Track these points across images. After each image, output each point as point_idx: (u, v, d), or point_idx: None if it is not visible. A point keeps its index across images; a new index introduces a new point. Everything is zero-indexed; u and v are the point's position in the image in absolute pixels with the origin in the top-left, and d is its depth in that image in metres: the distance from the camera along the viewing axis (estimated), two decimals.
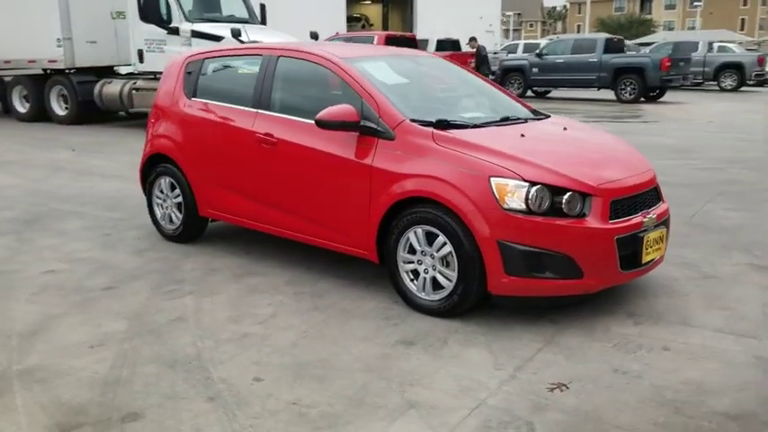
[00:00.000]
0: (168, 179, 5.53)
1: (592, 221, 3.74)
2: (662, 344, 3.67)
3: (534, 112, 4.96)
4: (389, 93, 4.34)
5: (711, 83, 25.71)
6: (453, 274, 3.89)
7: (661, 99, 20.56)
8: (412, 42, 18.15)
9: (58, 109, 14.55)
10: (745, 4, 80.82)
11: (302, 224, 4.65)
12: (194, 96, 5.38)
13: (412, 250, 4.07)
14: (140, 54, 13.06)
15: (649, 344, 3.67)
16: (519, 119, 4.66)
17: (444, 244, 3.89)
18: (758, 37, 66.08)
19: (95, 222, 6.31)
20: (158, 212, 5.70)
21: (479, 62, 18.29)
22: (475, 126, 4.28)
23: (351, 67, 4.49)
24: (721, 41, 28.96)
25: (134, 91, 13.33)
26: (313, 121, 4.42)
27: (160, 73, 12.95)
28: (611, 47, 20.43)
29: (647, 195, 4.14)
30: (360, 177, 4.21)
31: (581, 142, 4.44)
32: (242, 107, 5.00)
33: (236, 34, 11.98)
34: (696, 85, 25.03)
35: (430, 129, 4.07)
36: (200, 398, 3.13)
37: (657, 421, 2.92)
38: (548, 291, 3.80)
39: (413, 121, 4.15)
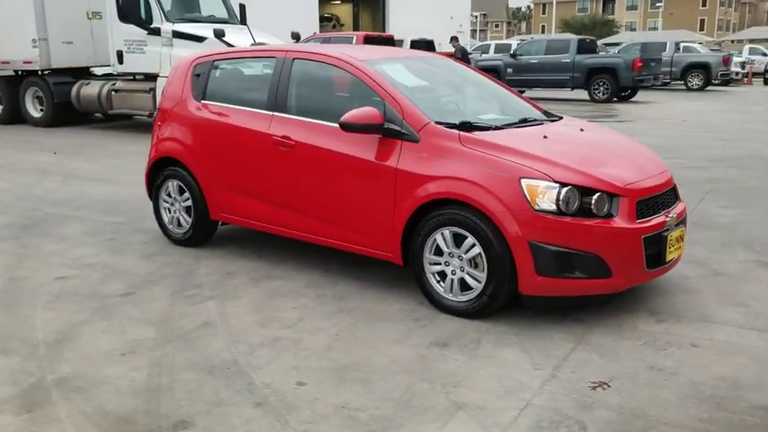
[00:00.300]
0: (177, 183, 5.47)
1: (620, 221, 3.81)
2: (689, 341, 3.76)
3: (546, 113, 5.03)
4: (411, 95, 4.37)
5: (678, 82, 26.23)
6: (482, 275, 3.92)
7: (633, 99, 20.93)
8: (390, 43, 18.15)
9: (34, 111, 14.26)
10: (704, 5, 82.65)
11: (322, 227, 4.65)
12: (204, 99, 5.33)
13: (438, 252, 4.10)
14: (120, 55, 12.87)
15: (677, 341, 3.75)
16: (536, 120, 4.72)
17: (473, 245, 3.93)
18: (717, 37, 67.68)
19: (96, 227, 6.22)
20: (165, 217, 5.64)
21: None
22: (497, 128, 4.33)
23: (371, 70, 4.50)
24: (684, 42, 29.57)
25: (113, 92, 13.14)
26: (333, 124, 4.44)
27: (140, 74, 13.02)
28: (584, 47, 20.75)
29: (668, 195, 4.23)
30: (384, 179, 4.22)
31: (600, 143, 4.51)
32: (256, 109, 4.97)
33: (219, 35, 11.88)
34: (664, 85, 25.51)
35: (456, 131, 4.10)
36: (246, 404, 3.12)
37: (702, 417, 2.99)
38: (577, 290, 3.86)
39: (437, 123, 4.17)
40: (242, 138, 4.99)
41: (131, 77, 13.32)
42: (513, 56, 21.40)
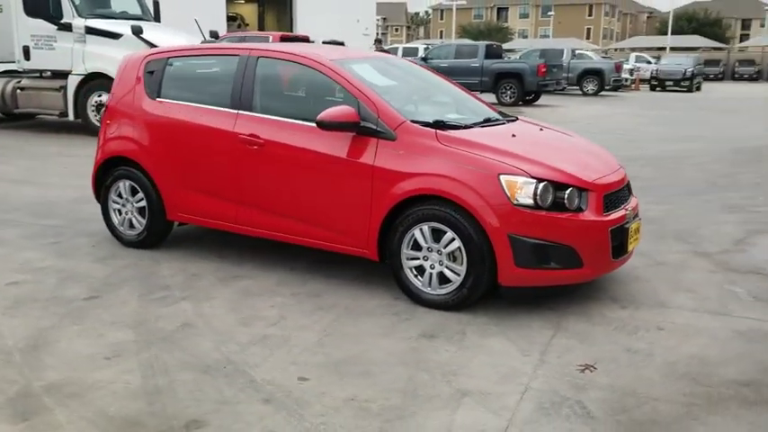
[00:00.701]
0: (128, 183, 5.31)
1: (589, 215, 4.05)
2: (654, 324, 4.04)
3: (501, 113, 5.23)
4: (384, 94, 4.45)
5: (574, 87, 27.53)
6: (461, 268, 4.06)
7: (536, 103, 21.81)
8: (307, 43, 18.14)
9: None
10: (590, 15, 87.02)
11: (293, 225, 4.65)
12: (159, 96, 5.20)
13: (416, 247, 4.21)
14: (26, 51, 12.23)
15: (644, 325, 4.03)
16: (498, 120, 4.91)
17: (452, 240, 4.06)
18: (602, 45, 71.41)
19: (33, 230, 5.93)
20: (116, 218, 5.46)
21: None
22: (466, 127, 4.48)
23: (342, 69, 4.55)
24: (578, 49, 31.11)
25: (18, 90, 12.46)
26: (304, 123, 4.48)
27: (49, 71, 12.39)
28: (491, 53, 21.48)
29: (624, 190, 4.52)
30: (360, 177, 4.28)
31: (562, 142, 4.76)
32: (219, 108, 4.92)
33: (137, 32, 11.54)
34: (562, 90, 26.72)
35: (432, 129, 4.23)
36: (254, 401, 3.11)
37: (685, 392, 3.24)
38: (552, 280, 4.07)
39: (413, 122, 4.28)
40: (204, 136, 4.92)
41: (38, 75, 12.68)
42: (425, 59, 21.81)
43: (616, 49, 59.09)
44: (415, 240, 4.20)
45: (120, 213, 5.42)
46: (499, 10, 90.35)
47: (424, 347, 3.69)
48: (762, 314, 4.24)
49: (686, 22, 65.40)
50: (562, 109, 20.26)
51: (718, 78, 47.72)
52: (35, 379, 3.30)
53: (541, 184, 3.94)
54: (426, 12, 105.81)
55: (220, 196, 4.91)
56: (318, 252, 4.72)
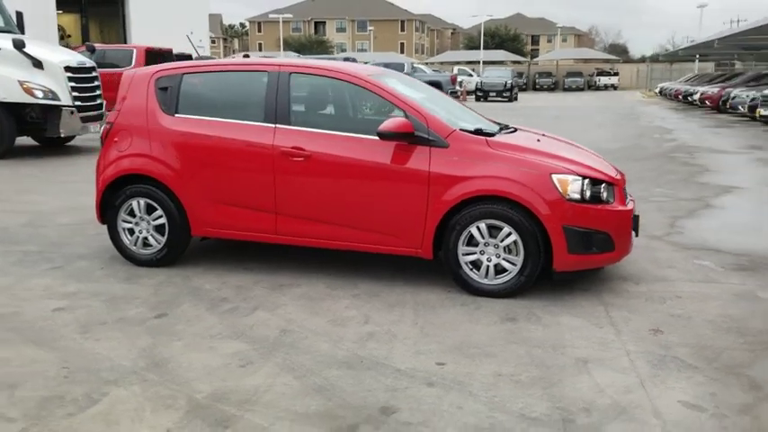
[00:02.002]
0: (144, 201, 5.25)
1: (617, 205, 4.75)
2: (671, 295, 4.83)
3: (498, 123, 5.82)
4: (428, 106, 4.88)
5: None
6: (518, 259, 4.59)
7: None
8: (170, 56, 17.71)
9: None
10: (402, 30, 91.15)
11: (340, 231, 4.91)
12: (177, 112, 5.21)
13: (472, 243, 4.67)
14: None
15: (665, 296, 4.79)
16: (509, 128, 5.50)
17: (509, 234, 4.58)
18: (416, 59, 75.03)
19: (20, 257, 5.63)
20: (126, 238, 5.35)
21: None
22: (496, 134, 5.02)
23: (384, 84, 4.91)
24: (414, 62, 32.82)
25: None
26: (349, 134, 4.81)
27: None
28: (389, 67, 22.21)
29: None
30: (416, 182, 4.67)
31: (572, 147, 5.44)
32: (250, 122, 5.05)
33: (19, 46, 10.83)
34: None
35: (483, 136, 4.72)
36: (419, 385, 3.42)
37: (741, 341, 4.01)
38: (594, 264, 4.73)
39: (461, 130, 4.76)
40: (238, 150, 5.02)
41: None
42: None
43: (427, 63, 62.54)
44: (471, 237, 4.65)
45: (133, 233, 5.32)
46: (316, 24, 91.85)
47: (514, 329, 4.17)
48: (739, 279, 5.18)
49: (490, 38, 70.63)
50: None
51: (522, 89, 52.28)
52: (192, 392, 3.35)
53: (585, 181, 4.58)
54: (241, 24, 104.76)
55: (257, 208, 5.03)
56: (339, 254, 5.06)
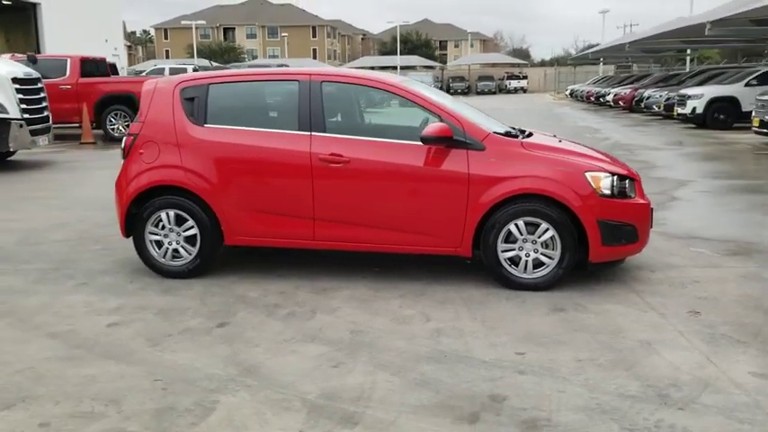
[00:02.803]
0: (173, 212, 5.23)
1: (638, 199, 5.11)
2: (689, 280, 5.22)
3: (512, 127, 6.07)
4: (461, 111, 5.10)
5: None
6: (555, 253, 4.87)
7: None
8: (104, 65, 17.23)
9: None
10: (314, 36, 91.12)
11: (379, 234, 5.05)
12: (206, 123, 5.22)
13: (510, 240, 4.92)
14: None
15: (683, 281, 5.19)
16: (524, 131, 5.78)
17: (546, 230, 4.85)
18: (328, 64, 75.16)
19: (35, 275, 5.47)
20: (154, 251, 5.30)
21: None
22: (526, 136, 5.29)
23: (416, 90, 5.10)
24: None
25: None
26: (386, 140, 4.98)
27: None
28: None
29: None
30: (456, 184, 4.87)
31: (583, 146, 5.76)
32: (284, 131, 5.13)
33: None
34: None
35: (516, 139, 4.98)
36: (511, 374, 3.62)
37: None
38: (622, 254, 5.07)
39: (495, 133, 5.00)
40: (274, 159, 5.08)
41: None
42: None
43: (355, 68, 62.84)
44: (509, 234, 4.90)
45: (161, 245, 5.28)
46: (226, 30, 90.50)
47: (569, 318, 4.43)
48: (737, 263, 5.66)
49: (403, 44, 71.66)
50: None
51: None
52: (301, 393, 3.43)
53: (615, 178, 4.91)
54: (145, 31, 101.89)
55: (294, 215, 5.10)
56: (364, 257, 5.27)
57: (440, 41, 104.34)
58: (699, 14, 26.19)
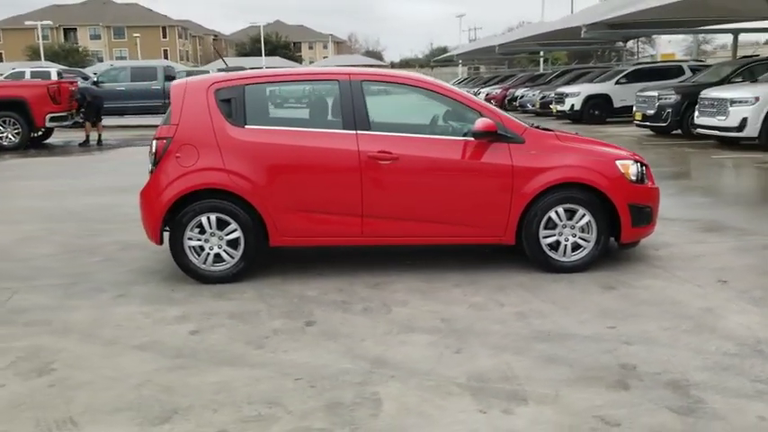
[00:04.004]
0: (215, 215, 5.12)
1: (650, 184, 5.64)
2: (690, 254, 5.82)
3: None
4: (495, 108, 5.38)
5: None
6: (592, 236, 5.28)
7: None
8: None
9: None
10: (164, 37, 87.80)
11: (427, 227, 5.23)
12: (246, 124, 5.16)
13: (549, 226, 5.27)
14: None
15: (689, 255, 5.78)
16: (534, 123, 6.15)
17: (584, 215, 5.26)
18: (183, 65, 72.83)
19: (65, 290, 5.16)
20: (193, 257, 5.16)
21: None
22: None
23: (453, 88, 5.33)
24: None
25: None
26: (430, 136, 5.22)
27: None
28: (168, 75, 21.39)
29: None
30: (501, 176, 5.15)
31: (599, 139, 6.22)
32: (329, 130, 5.19)
33: None
34: None
35: (552, 131, 5.35)
36: (617, 343, 3.97)
37: None
38: (643, 235, 5.56)
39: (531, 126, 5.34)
40: (323, 158, 5.11)
41: None
42: (96, 83, 20.60)
43: (210, 70, 61.18)
44: (549, 221, 5.25)
45: (203, 250, 5.15)
46: (66, 30, 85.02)
47: (626, 294, 4.83)
48: (718, 238, 6.38)
49: (264, 45, 70.80)
50: None
51: None
52: (452, 378, 3.57)
53: (638, 164, 5.40)
54: None
55: (342, 213, 5.16)
56: (391, 250, 5.52)
57: (293, 43, 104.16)
58: (560, 19, 28.20)
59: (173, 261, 5.22)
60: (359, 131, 5.12)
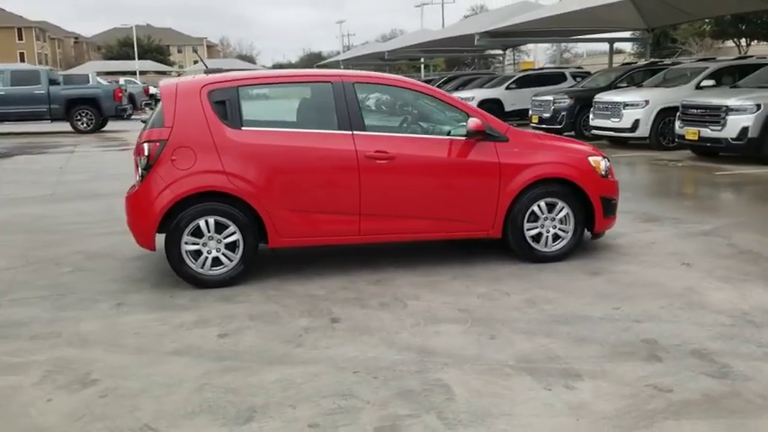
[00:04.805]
0: (213, 219, 5.07)
1: (613, 179, 6.14)
2: (644, 242, 6.37)
3: None
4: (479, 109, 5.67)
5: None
6: (569, 227, 5.68)
7: (104, 128, 21.39)
8: None
9: None
10: (20, 39, 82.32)
11: (420, 224, 5.42)
12: (242, 126, 5.15)
13: (531, 219, 5.63)
14: None
15: (645, 243, 6.32)
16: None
17: (562, 208, 5.65)
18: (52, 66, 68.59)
19: (53, 302, 4.92)
20: (191, 262, 5.08)
21: None
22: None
23: (438, 90, 5.57)
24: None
25: None
26: (422, 136, 5.45)
27: None
28: (53, 79, 20.27)
29: None
30: (489, 173, 5.44)
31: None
32: (324, 130, 5.27)
33: None
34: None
35: (531, 130, 5.70)
36: (633, 322, 4.36)
37: (744, 257, 5.69)
38: (609, 226, 6.02)
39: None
40: (321, 158, 5.17)
41: None
42: None
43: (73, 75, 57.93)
44: (532, 214, 5.61)
45: (200, 254, 5.08)
46: None
47: (612, 279, 5.24)
48: (659, 227, 6.97)
49: (131, 48, 68.02)
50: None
51: None
52: (502, 361, 3.80)
53: (606, 160, 5.87)
54: None
55: (341, 212, 5.26)
56: (381, 248, 5.70)
57: (178, 46, 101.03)
58: (451, 26, 29.18)
59: (153, 267, 5.14)
60: (354, 132, 5.23)
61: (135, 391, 3.49)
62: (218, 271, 5.10)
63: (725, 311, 4.48)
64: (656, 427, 3.08)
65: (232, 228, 5.06)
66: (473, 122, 5.30)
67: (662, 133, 13.85)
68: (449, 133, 5.49)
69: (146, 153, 5.00)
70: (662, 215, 7.54)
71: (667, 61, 19.13)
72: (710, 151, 12.32)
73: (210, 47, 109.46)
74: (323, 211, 5.21)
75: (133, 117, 26.80)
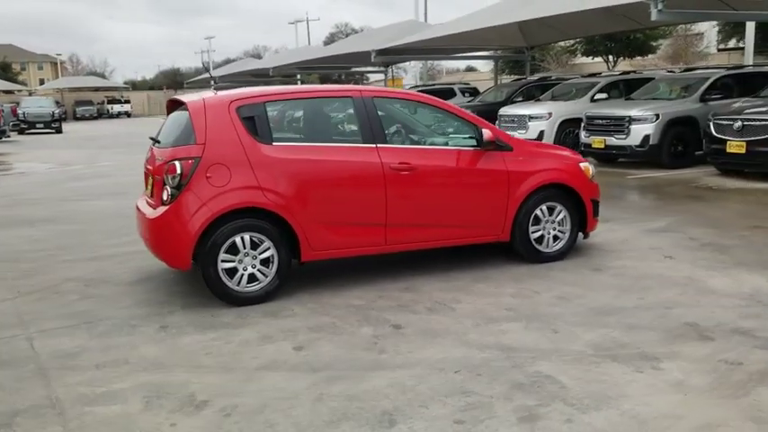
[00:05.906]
0: (248, 235, 5.07)
1: (596, 181, 6.68)
2: (620, 239, 6.96)
3: None
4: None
5: None
6: (566, 229, 6.14)
7: None
8: None
9: None
10: None
11: (440, 231, 5.66)
12: (273, 141, 5.19)
13: (534, 222, 6.04)
14: None
15: (619, 240, 6.90)
16: None
17: (561, 211, 6.11)
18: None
19: (91, 329, 4.71)
20: (227, 279, 5.04)
21: None
22: None
23: (448, 103, 5.87)
24: None
25: None
26: (440, 147, 5.74)
27: None
28: None
29: None
30: (500, 181, 5.78)
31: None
32: (350, 144, 5.42)
33: None
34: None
35: (531, 140, 6.11)
36: (663, 308, 4.83)
37: (713, 248, 6.38)
38: (595, 226, 6.56)
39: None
40: (351, 171, 5.29)
41: None
42: None
43: None
44: (535, 218, 6.02)
45: (235, 271, 5.06)
46: None
47: (616, 274, 5.70)
48: (621, 226, 7.57)
49: None
50: (26, 152, 19.30)
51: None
52: (580, 351, 4.11)
53: (592, 165, 6.40)
54: None
55: (369, 223, 5.39)
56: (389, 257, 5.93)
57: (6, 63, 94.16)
58: (345, 42, 29.46)
59: (163, 289, 5.09)
60: (378, 145, 5.39)
61: (256, 407, 3.47)
62: (254, 287, 5.07)
63: (733, 295, 5.04)
64: (755, 392, 3.48)
65: (267, 243, 5.06)
66: (487, 133, 5.62)
67: (564, 143, 14.85)
68: (462, 144, 5.75)
69: (178, 171, 4.90)
70: (612, 216, 8.15)
71: (554, 77, 20.47)
72: (613, 158, 13.41)
73: (56, 64, 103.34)
74: (352, 222, 5.32)
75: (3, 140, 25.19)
